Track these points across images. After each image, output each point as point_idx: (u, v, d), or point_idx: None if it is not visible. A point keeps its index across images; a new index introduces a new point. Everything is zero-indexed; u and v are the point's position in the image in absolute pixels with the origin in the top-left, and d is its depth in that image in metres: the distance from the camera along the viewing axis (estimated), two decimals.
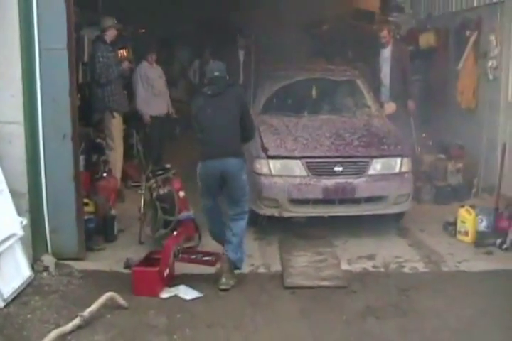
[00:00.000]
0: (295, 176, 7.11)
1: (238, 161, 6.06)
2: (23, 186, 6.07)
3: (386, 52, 9.65)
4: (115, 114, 8.59)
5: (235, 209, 6.18)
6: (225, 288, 5.85)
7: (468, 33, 9.53)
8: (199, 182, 6.23)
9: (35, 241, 6.15)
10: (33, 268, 5.96)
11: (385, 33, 9.64)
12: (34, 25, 6.04)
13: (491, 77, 8.85)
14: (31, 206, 6.13)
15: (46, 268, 6.04)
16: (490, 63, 8.85)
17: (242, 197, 6.18)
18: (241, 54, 14.24)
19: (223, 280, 5.88)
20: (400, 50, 9.82)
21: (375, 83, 9.63)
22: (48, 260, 6.13)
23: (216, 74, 6.14)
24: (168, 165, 7.47)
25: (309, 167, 7.12)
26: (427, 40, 11.07)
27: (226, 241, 6.15)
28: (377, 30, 10.11)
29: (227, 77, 6.28)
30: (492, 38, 8.75)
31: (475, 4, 9.46)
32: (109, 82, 8.42)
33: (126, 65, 8.85)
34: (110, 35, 8.55)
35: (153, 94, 10.10)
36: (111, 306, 5.33)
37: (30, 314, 5.20)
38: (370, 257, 6.67)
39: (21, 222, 5.79)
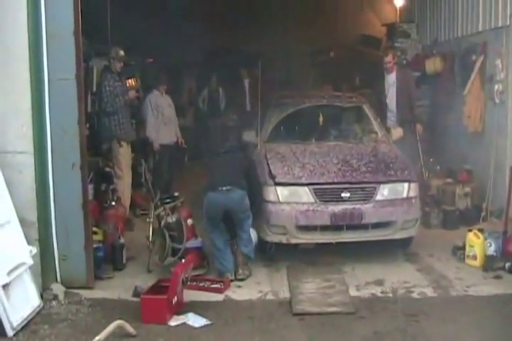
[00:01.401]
0: (303, 203, 7.12)
1: (243, 193, 6.90)
2: (33, 215, 6.14)
3: (391, 78, 9.72)
4: (122, 142, 8.67)
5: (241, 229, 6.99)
6: (242, 277, 6.76)
7: (474, 57, 9.61)
8: None
9: (45, 270, 6.20)
10: (42, 296, 5.99)
11: (389, 58, 9.73)
12: (43, 56, 6.16)
13: (497, 100, 8.90)
14: (40, 235, 6.18)
15: (55, 297, 6.08)
16: (496, 87, 8.91)
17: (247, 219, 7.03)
18: (246, 83, 14.44)
19: (240, 271, 6.78)
20: (405, 75, 9.89)
21: (382, 108, 9.70)
22: (57, 288, 6.18)
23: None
24: (176, 194, 7.52)
25: (317, 193, 7.13)
26: (433, 65, 11.17)
27: (238, 238, 6.98)
28: (382, 55, 10.20)
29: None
30: (498, 62, 8.81)
31: (480, 29, 9.56)
32: (115, 111, 8.53)
33: (132, 94, 8.95)
34: (117, 65, 8.68)
35: (163, 122, 10.20)
36: (119, 334, 5.33)
37: None
38: (379, 283, 6.65)
39: (30, 251, 5.85)
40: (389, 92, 9.73)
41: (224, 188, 6.77)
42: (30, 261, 5.80)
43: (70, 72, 6.24)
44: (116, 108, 8.54)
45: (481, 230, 7.35)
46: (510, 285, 6.51)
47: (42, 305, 5.89)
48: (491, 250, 7.15)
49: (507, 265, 6.88)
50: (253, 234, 7.09)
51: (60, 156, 6.27)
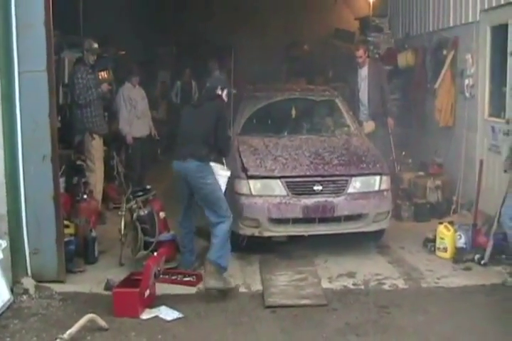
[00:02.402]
0: (275, 196, 7.14)
1: (199, 165, 6.41)
2: (2, 208, 6.06)
3: (363, 72, 9.78)
4: (95, 135, 8.61)
5: (212, 215, 6.46)
6: (211, 287, 6.09)
7: (445, 51, 9.68)
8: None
9: (15, 264, 6.13)
10: (12, 290, 5.93)
11: (361, 52, 9.78)
12: (13, 47, 6.07)
13: (467, 95, 8.98)
14: (11, 228, 6.11)
15: (26, 291, 6.02)
16: (467, 81, 8.98)
17: (214, 201, 6.46)
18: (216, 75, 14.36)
19: (207, 279, 6.14)
20: (377, 69, 9.95)
21: (354, 102, 9.74)
22: (28, 282, 6.11)
23: (207, 85, 6.76)
24: (148, 187, 7.48)
25: (289, 186, 7.15)
26: (405, 59, 11.24)
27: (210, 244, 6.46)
28: (353, 49, 10.24)
29: (217, 91, 6.74)
30: (468, 56, 8.89)
31: (451, 24, 9.63)
32: (88, 103, 8.46)
33: (105, 86, 8.88)
34: (90, 57, 8.60)
35: (135, 115, 10.13)
36: (91, 328, 5.30)
37: (10, 337, 5.19)
38: (351, 275, 6.70)
39: (0, 245, 5.77)
40: (361, 86, 9.78)
41: (182, 160, 6.56)
42: (0, 255, 5.73)
43: (40, 64, 6.17)
44: (89, 100, 8.47)
45: (451, 223, 7.43)
46: (479, 276, 6.60)
47: (12, 299, 5.83)
48: (461, 242, 7.24)
49: (476, 257, 6.96)
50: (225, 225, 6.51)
51: (30, 149, 6.20)
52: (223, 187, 6.60)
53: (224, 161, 6.86)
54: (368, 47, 10.75)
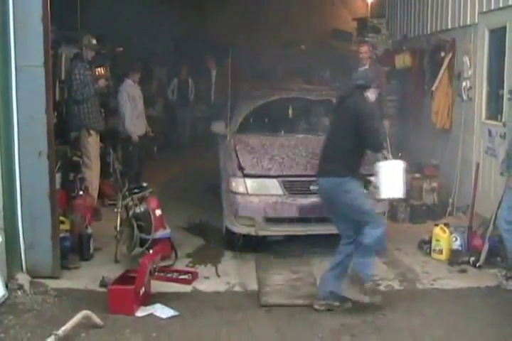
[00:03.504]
0: (271, 195, 7.13)
1: (334, 180, 5.78)
2: None
3: None
4: (91, 131, 8.58)
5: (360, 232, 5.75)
6: (355, 299, 5.75)
7: (442, 54, 9.68)
8: None
9: (10, 259, 6.10)
10: (7, 286, 5.90)
11: (365, 48, 9.78)
12: (11, 43, 6.05)
13: (465, 97, 8.98)
14: (6, 224, 6.08)
15: (21, 287, 5.99)
16: (464, 84, 8.99)
17: (357, 216, 5.77)
18: (213, 74, 14.39)
19: (348, 290, 5.77)
20: (376, 70, 9.93)
21: None
22: (23, 278, 6.09)
23: (358, 82, 6.05)
24: (144, 184, 7.47)
25: (285, 186, 7.14)
26: (402, 60, 11.23)
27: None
28: (358, 46, 10.21)
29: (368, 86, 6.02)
30: (466, 59, 8.89)
31: (449, 26, 9.64)
32: (85, 99, 8.43)
33: (102, 82, 8.86)
34: (88, 53, 8.57)
35: (136, 114, 10.12)
36: (86, 325, 5.28)
37: (4, 333, 5.16)
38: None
39: None
40: None
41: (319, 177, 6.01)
42: None
43: (38, 59, 6.14)
44: (86, 96, 8.43)
45: (447, 225, 7.43)
46: (474, 279, 6.60)
47: (7, 295, 5.80)
48: (457, 244, 7.25)
49: (472, 259, 6.97)
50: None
51: (27, 144, 6.18)
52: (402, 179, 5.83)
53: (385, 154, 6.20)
54: (371, 46, 10.73)
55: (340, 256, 5.90)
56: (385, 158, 6.05)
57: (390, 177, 5.82)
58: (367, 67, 9.74)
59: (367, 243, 5.67)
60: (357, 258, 5.79)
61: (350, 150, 5.78)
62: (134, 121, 10.03)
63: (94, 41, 8.61)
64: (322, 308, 5.77)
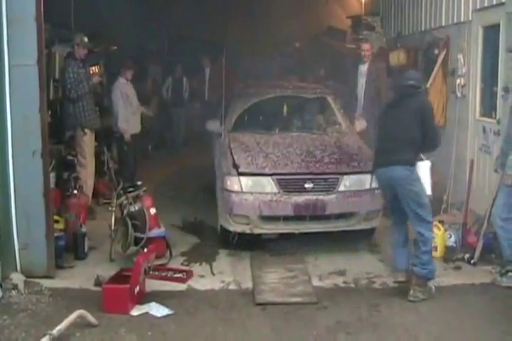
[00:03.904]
0: (266, 193, 7.12)
1: (403, 169, 6.12)
2: None
3: (364, 68, 9.78)
4: (86, 130, 8.56)
5: (417, 221, 6.18)
6: (413, 300, 5.97)
7: (436, 51, 9.68)
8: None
9: (4, 259, 6.09)
10: (1, 286, 5.89)
11: (367, 46, 9.78)
12: (4, 41, 6.04)
13: (459, 94, 8.98)
14: (0, 223, 6.08)
15: (15, 287, 5.97)
16: (458, 81, 8.98)
17: (417, 208, 6.15)
18: (207, 72, 14.39)
19: (411, 292, 6.02)
20: (376, 67, 9.94)
21: (352, 98, 9.73)
22: (17, 278, 6.08)
23: (410, 83, 6.31)
24: (139, 182, 7.45)
25: (280, 184, 7.14)
26: (397, 58, 11.21)
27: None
28: (355, 43, 10.21)
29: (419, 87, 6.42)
30: (460, 56, 8.89)
31: (443, 24, 9.63)
32: (79, 97, 8.40)
33: (96, 79, 8.84)
34: (80, 52, 8.54)
35: (131, 112, 10.09)
36: (81, 324, 5.28)
37: None
38: (341, 273, 6.70)
39: None
40: (359, 82, 9.78)
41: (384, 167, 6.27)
42: None
43: (31, 58, 6.13)
44: (81, 94, 8.40)
45: (441, 222, 7.44)
46: (469, 275, 6.62)
47: (1, 294, 5.79)
48: (451, 241, 7.27)
49: (466, 256, 6.98)
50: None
51: (20, 144, 6.17)
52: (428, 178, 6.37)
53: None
54: (373, 43, 10.74)
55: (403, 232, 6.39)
56: (421, 159, 6.39)
57: (422, 176, 6.28)
58: (367, 64, 9.75)
59: (428, 235, 6.14)
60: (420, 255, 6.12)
61: (416, 144, 6.15)
62: (129, 119, 9.99)
63: (86, 39, 8.58)
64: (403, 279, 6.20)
